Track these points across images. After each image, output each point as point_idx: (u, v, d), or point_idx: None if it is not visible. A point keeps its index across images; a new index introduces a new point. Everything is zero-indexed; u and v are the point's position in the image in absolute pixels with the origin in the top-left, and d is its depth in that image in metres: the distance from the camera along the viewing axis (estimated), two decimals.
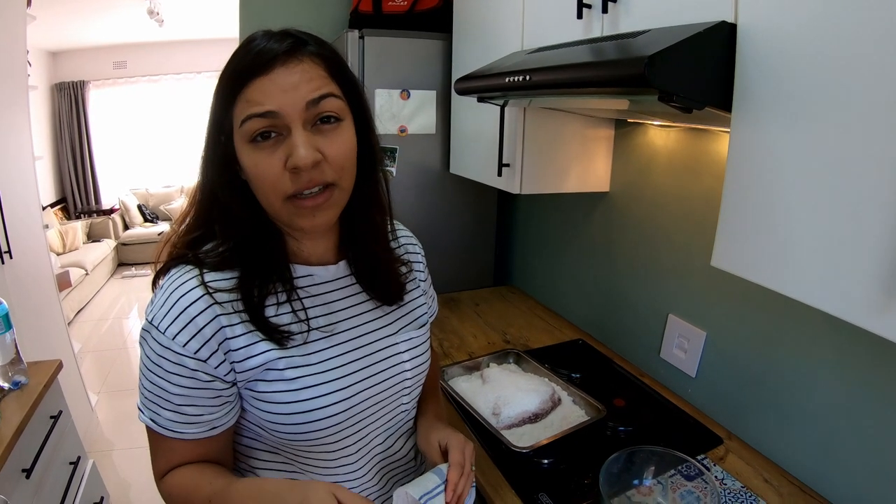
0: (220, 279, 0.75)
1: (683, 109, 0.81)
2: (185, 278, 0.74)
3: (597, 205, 1.80)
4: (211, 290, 0.73)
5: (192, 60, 6.80)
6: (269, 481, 0.78)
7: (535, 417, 1.30)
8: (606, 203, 1.75)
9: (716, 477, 1.18)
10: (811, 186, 0.70)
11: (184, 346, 0.71)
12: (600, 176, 1.70)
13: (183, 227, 0.82)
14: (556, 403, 1.35)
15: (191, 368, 0.71)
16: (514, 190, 1.57)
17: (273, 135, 0.70)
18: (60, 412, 1.70)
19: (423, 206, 2.18)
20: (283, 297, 0.79)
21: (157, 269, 0.79)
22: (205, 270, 0.75)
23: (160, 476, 0.79)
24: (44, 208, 5.77)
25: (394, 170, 2.06)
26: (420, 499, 0.77)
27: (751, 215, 0.79)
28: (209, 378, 0.73)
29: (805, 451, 1.17)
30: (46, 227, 3.09)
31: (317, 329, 0.80)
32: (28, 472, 1.44)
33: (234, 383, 0.76)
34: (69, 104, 6.53)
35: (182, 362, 0.71)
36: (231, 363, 0.74)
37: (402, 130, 2.04)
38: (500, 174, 1.55)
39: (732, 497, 1.12)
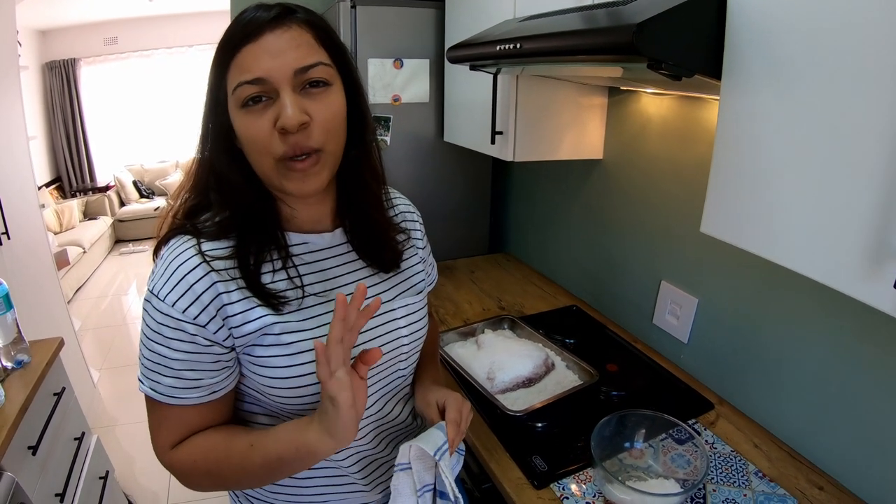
0: (217, 248, 0.77)
1: (673, 77, 0.81)
2: (183, 248, 0.75)
3: (590, 172, 1.80)
4: (208, 258, 0.74)
5: (183, 34, 6.68)
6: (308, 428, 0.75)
7: (528, 382, 1.32)
8: (600, 170, 1.75)
9: (706, 441, 1.21)
10: (799, 153, 0.70)
11: (183, 311, 0.72)
12: (594, 143, 1.70)
13: (180, 199, 0.83)
14: (549, 368, 1.38)
15: (190, 333, 0.73)
16: (508, 157, 1.57)
17: (263, 99, 0.72)
18: (63, 389, 1.72)
19: (418, 174, 2.17)
20: (278, 265, 0.80)
21: (158, 240, 0.80)
22: (202, 240, 0.77)
23: (166, 448, 0.79)
24: (39, 188, 5.76)
25: (388, 139, 2.05)
26: (434, 454, 0.80)
27: (739, 182, 0.79)
28: (208, 343, 0.74)
29: (794, 416, 1.19)
30: (42, 206, 3.09)
31: (313, 295, 0.81)
32: (34, 449, 1.46)
33: (232, 348, 0.77)
34: (61, 83, 6.44)
35: (181, 327, 0.73)
36: (229, 328, 0.75)
37: (396, 99, 2.03)
38: (493, 142, 1.55)
39: (722, 461, 1.15)
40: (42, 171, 6.26)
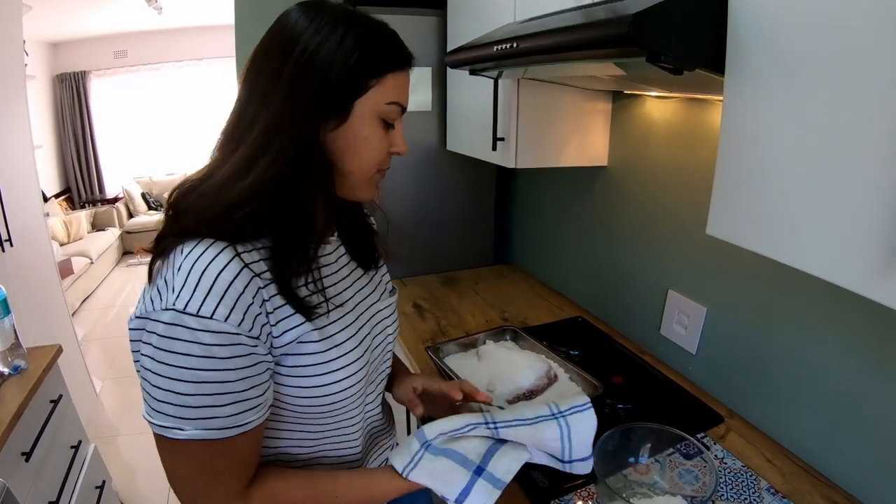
0: (248, 249, 0.70)
1: (674, 71, 0.78)
2: (214, 252, 0.66)
3: (595, 180, 1.76)
4: (248, 262, 0.68)
5: (192, 48, 6.75)
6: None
7: (529, 394, 1.27)
8: (605, 177, 1.72)
9: (716, 456, 1.15)
10: (807, 149, 0.66)
11: (238, 325, 0.64)
12: (598, 150, 1.66)
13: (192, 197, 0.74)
14: (552, 380, 1.33)
15: (249, 346, 0.66)
16: (510, 164, 1.54)
17: (393, 124, 0.78)
18: (61, 396, 1.71)
19: (421, 184, 2.16)
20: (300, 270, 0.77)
21: (160, 249, 0.70)
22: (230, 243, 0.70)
23: (238, 494, 0.71)
24: (48, 199, 5.82)
25: None
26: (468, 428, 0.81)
27: (745, 181, 0.75)
28: (264, 352, 0.69)
29: (808, 429, 1.14)
30: (47, 215, 3.10)
31: (331, 298, 0.81)
32: (28, 456, 1.44)
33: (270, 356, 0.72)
34: (71, 95, 6.52)
35: (239, 341, 0.65)
36: (269, 336, 0.70)
37: None
38: (494, 148, 1.52)
39: (732, 476, 1.10)
40: (52, 183, 6.34)
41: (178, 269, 0.65)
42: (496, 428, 0.81)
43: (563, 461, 0.84)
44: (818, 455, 1.12)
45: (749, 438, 1.21)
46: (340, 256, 0.90)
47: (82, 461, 1.84)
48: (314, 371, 0.75)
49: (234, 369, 0.65)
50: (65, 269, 4.29)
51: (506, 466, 0.78)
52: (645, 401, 1.35)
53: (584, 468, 0.86)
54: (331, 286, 0.83)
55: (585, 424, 0.85)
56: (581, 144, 1.63)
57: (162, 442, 0.66)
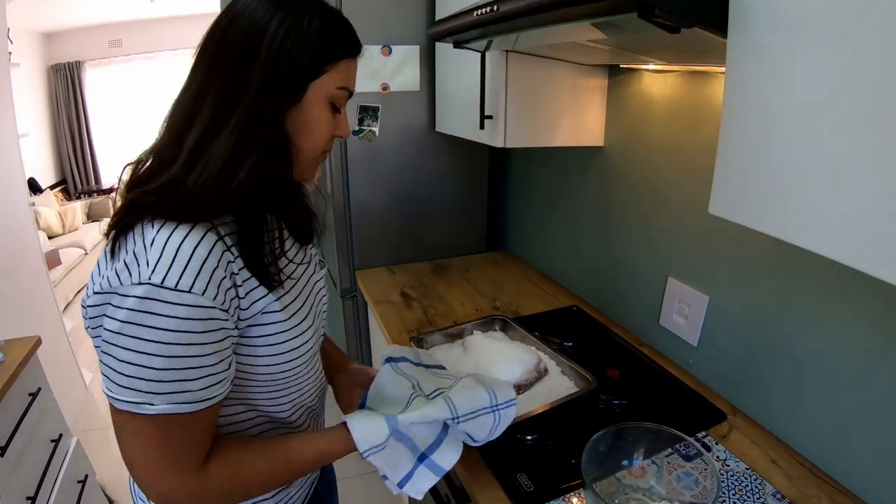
0: (218, 224, 0.73)
1: (670, 29, 0.68)
2: (187, 226, 0.68)
3: (591, 161, 1.67)
4: (219, 236, 0.70)
5: (187, 36, 6.63)
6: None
7: (517, 389, 1.19)
8: (601, 159, 1.62)
9: (717, 457, 1.07)
10: (820, 116, 0.56)
11: (213, 298, 0.66)
12: (593, 129, 1.57)
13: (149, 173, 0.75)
14: (541, 374, 1.24)
15: (221, 321, 0.68)
16: (498, 143, 1.45)
17: (340, 108, 0.82)
18: (39, 389, 1.68)
19: (409, 167, 2.07)
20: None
21: (126, 220, 0.70)
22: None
23: (195, 469, 0.71)
24: (42, 190, 5.77)
25: (376, 129, 1.95)
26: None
27: (751, 154, 0.66)
28: (232, 326, 0.71)
29: (818, 429, 1.05)
30: (33, 204, 3.04)
31: (285, 269, 0.84)
32: (3, 450, 1.42)
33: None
34: (65, 85, 6.47)
35: (212, 315, 0.66)
36: (237, 309, 0.73)
37: (384, 88, 1.92)
38: (482, 126, 1.43)
39: (735, 480, 1.01)
40: (47, 174, 6.31)
41: (151, 244, 0.65)
42: (457, 422, 0.86)
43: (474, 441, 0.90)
44: (828, 456, 1.03)
45: (753, 438, 1.13)
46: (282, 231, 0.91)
47: (63, 455, 1.80)
48: (277, 339, 0.78)
49: (207, 343, 0.66)
50: (52, 260, 4.21)
51: (449, 456, 0.86)
52: (642, 396, 1.26)
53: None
54: (284, 260, 0.86)
55: (506, 421, 0.91)
56: (575, 123, 1.54)
57: (126, 418, 0.66)
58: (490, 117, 1.45)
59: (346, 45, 0.79)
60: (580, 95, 1.51)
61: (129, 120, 6.98)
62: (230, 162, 0.70)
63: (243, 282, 0.73)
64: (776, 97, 0.61)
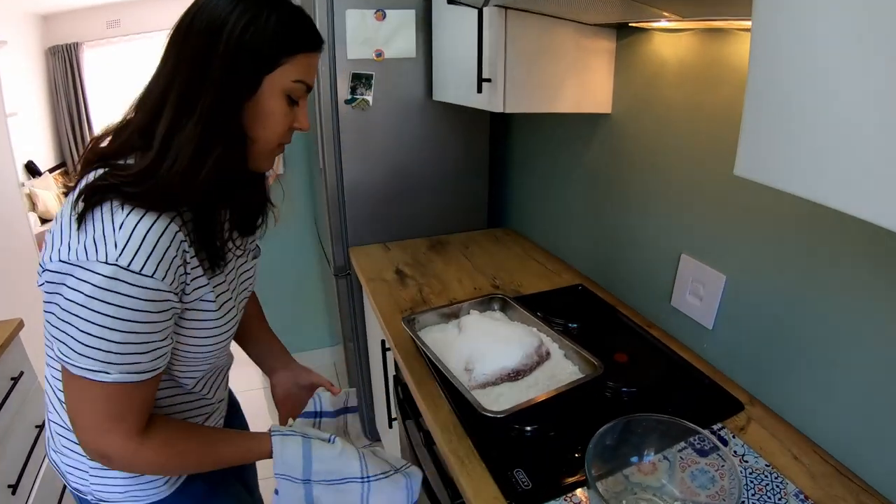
0: (179, 212, 0.78)
1: None
2: (154, 215, 0.73)
3: (598, 130, 1.55)
4: (180, 225, 0.76)
5: None
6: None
7: (515, 375, 1.09)
8: (609, 127, 1.50)
9: (734, 452, 0.97)
10: (865, 52, 0.45)
11: (170, 284, 0.74)
12: (600, 95, 1.45)
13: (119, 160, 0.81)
14: (543, 358, 1.14)
15: (173, 303, 0.76)
16: (497, 108, 1.33)
17: (298, 101, 0.84)
18: (22, 373, 1.62)
19: (405, 138, 1.96)
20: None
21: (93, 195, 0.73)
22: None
23: (136, 434, 0.78)
24: (41, 173, 5.74)
25: (370, 98, 1.84)
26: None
27: (783, 103, 0.54)
28: (179, 308, 0.79)
29: (844, 421, 0.95)
30: (22, 185, 2.98)
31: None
32: None
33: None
34: (64, 67, 6.38)
35: (165, 297, 0.74)
36: (183, 294, 0.79)
37: (378, 55, 1.81)
38: (479, 90, 1.32)
39: (755, 478, 0.92)
40: (47, 157, 6.28)
41: (120, 227, 0.70)
42: (369, 482, 0.95)
43: None
44: (855, 453, 0.94)
45: (773, 430, 1.03)
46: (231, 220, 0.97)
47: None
48: (206, 325, 0.85)
49: (159, 322, 0.74)
50: (42, 242, 4.14)
51: None
52: (653, 383, 1.16)
53: None
54: (230, 244, 0.93)
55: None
56: (580, 87, 1.42)
57: (79, 382, 0.73)
58: (488, 80, 1.33)
59: (304, 40, 0.81)
60: (586, 58, 1.39)
61: (129, 100, 6.88)
62: (197, 153, 0.74)
63: (192, 269, 0.79)
64: (812, 32, 0.49)
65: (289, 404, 1.20)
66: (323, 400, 1.13)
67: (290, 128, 0.84)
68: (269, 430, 0.94)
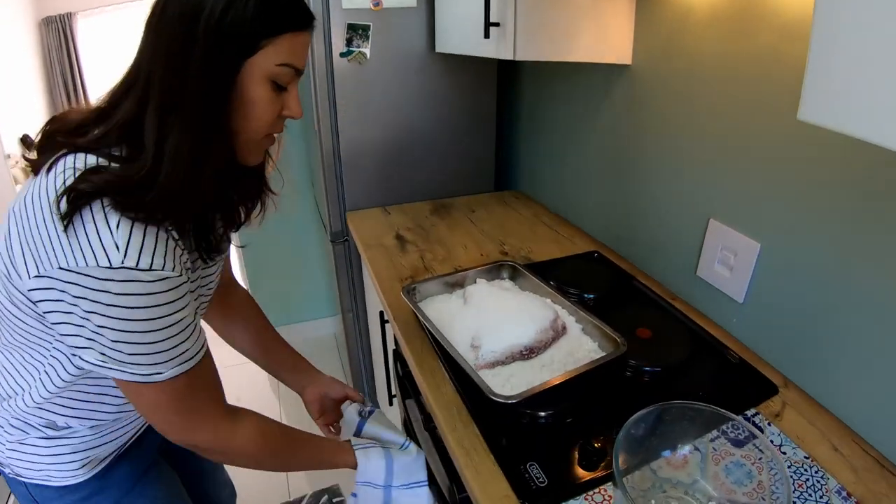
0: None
1: None
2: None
3: (616, 82, 1.42)
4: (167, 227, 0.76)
5: None
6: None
7: (528, 353, 0.99)
8: (629, 79, 1.38)
9: (771, 442, 0.87)
10: None
11: (174, 269, 0.71)
12: (619, 44, 1.32)
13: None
14: (559, 333, 1.04)
15: (186, 284, 0.74)
16: (507, 56, 1.21)
17: (286, 87, 0.77)
18: None
19: (406, 94, 1.85)
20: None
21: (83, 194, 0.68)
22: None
23: (224, 417, 0.83)
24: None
25: (367, 51, 1.73)
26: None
27: (863, 30, 0.43)
28: (191, 284, 0.79)
29: (889, 410, 0.85)
30: (8, 157, 2.90)
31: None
32: None
33: None
34: (58, 38, 6.32)
35: (181, 282, 0.73)
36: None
37: (376, 4, 1.69)
38: (486, 35, 1.19)
39: (794, 472, 0.82)
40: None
41: (117, 227, 0.66)
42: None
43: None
44: None
45: (810, 417, 0.93)
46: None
47: None
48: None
49: (184, 308, 0.74)
50: None
51: None
52: (678, 363, 1.06)
53: None
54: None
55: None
56: (598, 34, 1.29)
57: (141, 388, 0.73)
58: (497, 24, 1.21)
59: (290, 18, 0.73)
60: (603, 2, 1.26)
61: (124, 70, 6.83)
62: (193, 157, 0.70)
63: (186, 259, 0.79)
64: None
65: (328, 418, 1.21)
66: (348, 412, 1.14)
67: (278, 116, 0.78)
68: (350, 442, 0.98)
